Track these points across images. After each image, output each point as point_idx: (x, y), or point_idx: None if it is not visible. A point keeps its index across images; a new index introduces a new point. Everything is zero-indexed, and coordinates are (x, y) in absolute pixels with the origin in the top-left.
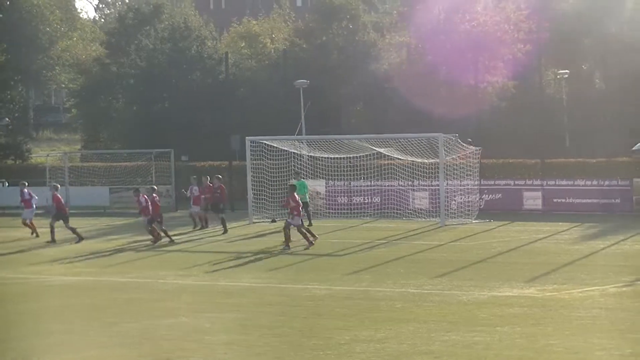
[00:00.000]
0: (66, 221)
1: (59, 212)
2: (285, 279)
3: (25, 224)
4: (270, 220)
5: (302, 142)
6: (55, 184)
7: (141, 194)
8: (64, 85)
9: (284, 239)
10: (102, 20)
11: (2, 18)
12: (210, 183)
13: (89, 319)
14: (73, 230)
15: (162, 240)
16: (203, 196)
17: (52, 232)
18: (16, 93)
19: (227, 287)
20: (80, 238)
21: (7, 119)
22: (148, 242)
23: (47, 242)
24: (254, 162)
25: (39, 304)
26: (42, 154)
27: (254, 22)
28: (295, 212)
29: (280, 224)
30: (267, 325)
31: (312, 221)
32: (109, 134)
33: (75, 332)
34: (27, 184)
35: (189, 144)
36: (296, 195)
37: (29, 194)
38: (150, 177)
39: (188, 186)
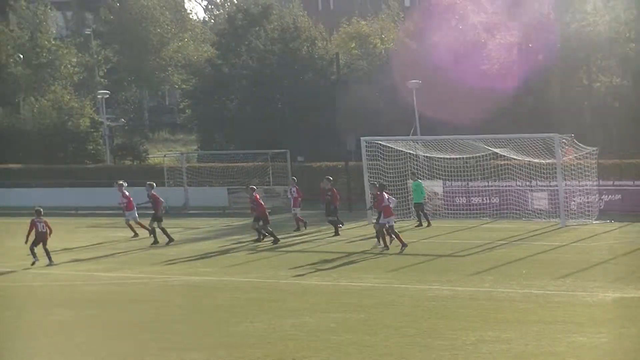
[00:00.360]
0: (159, 221)
1: (155, 212)
2: (407, 279)
3: (129, 225)
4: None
5: (416, 143)
6: (151, 182)
7: (255, 192)
8: (177, 86)
9: (382, 240)
10: (212, 21)
11: (113, 20)
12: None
13: (213, 319)
14: (164, 230)
15: (265, 240)
16: (299, 198)
17: (164, 232)
18: (130, 94)
19: (349, 287)
20: (155, 241)
21: (122, 120)
22: (267, 243)
23: (152, 244)
24: (370, 162)
25: (162, 303)
26: (159, 155)
27: (363, 23)
28: (385, 213)
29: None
30: (391, 325)
31: (431, 222)
32: (224, 134)
33: (200, 332)
34: (125, 184)
35: (305, 145)
36: (385, 195)
37: (127, 194)
38: (268, 178)
39: (288, 187)
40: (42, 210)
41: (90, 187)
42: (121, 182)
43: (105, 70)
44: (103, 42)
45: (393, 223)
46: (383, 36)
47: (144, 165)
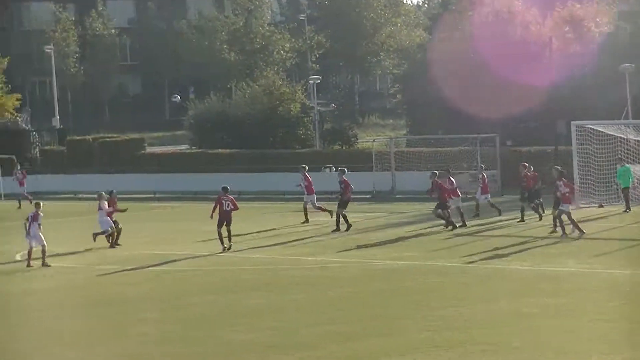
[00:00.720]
0: (344, 207)
1: (342, 198)
2: (613, 264)
3: (305, 209)
4: (597, 205)
5: (627, 127)
6: (342, 167)
7: (449, 177)
8: (388, 71)
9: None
10: (426, 5)
11: (327, 5)
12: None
13: (414, 302)
14: (341, 217)
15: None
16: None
17: (344, 219)
18: (341, 79)
19: (551, 272)
20: (342, 227)
21: (333, 105)
22: (469, 226)
23: (334, 230)
24: (580, 147)
25: (362, 287)
26: (367, 140)
27: (577, 6)
28: (564, 200)
29: (603, 209)
30: (594, 311)
31: (631, 207)
32: (433, 118)
33: (402, 316)
34: (307, 167)
35: (513, 129)
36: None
37: (309, 178)
38: (475, 163)
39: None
40: (228, 187)
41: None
42: (304, 165)
43: (317, 56)
44: (316, 28)
45: (570, 210)
46: (597, 19)
47: (352, 150)
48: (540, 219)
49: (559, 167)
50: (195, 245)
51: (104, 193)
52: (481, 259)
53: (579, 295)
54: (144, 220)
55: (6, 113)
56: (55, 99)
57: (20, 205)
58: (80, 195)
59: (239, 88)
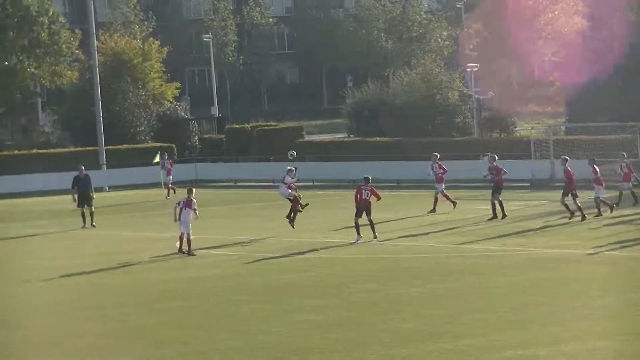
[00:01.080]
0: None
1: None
2: None
3: (436, 197)
4: None
5: None
6: (493, 154)
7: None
8: (546, 58)
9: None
10: None
11: None
12: None
13: (573, 291)
14: (497, 204)
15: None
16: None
17: (500, 207)
18: (499, 67)
19: None
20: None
21: (491, 93)
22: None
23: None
24: None
25: (523, 275)
26: (526, 128)
27: None
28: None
29: None
30: None
31: None
32: (593, 106)
33: (558, 304)
34: (438, 155)
35: None
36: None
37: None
38: (635, 151)
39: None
40: (370, 177)
41: (455, 160)
42: (436, 153)
43: (475, 43)
44: (474, 15)
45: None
46: None
47: (510, 138)
48: None
49: None
50: (353, 233)
51: (292, 168)
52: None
53: None
54: (308, 207)
55: (166, 102)
56: (214, 88)
57: (168, 194)
58: (238, 184)
59: (396, 76)
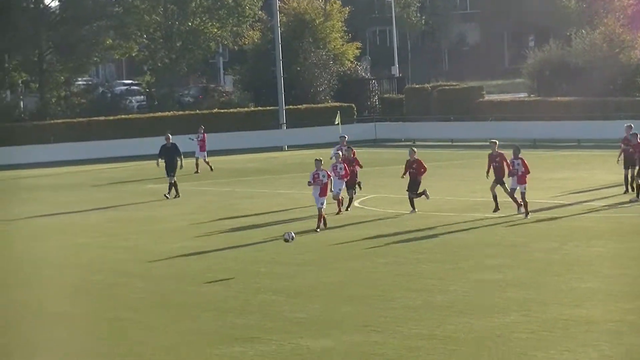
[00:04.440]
0: None
1: None
2: None
3: None
4: None
5: None
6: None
7: None
8: None
9: None
10: None
11: None
12: None
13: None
14: None
15: None
16: None
17: None
18: None
19: None
20: None
21: None
22: None
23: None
24: None
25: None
26: None
27: None
28: None
29: None
30: None
31: None
32: None
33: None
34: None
35: None
36: None
37: None
38: None
39: None
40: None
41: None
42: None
43: None
44: None
45: None
46: None
47: None
48: None
49: None
50: (535, 194)
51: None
52: None
53: None
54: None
55: (346, 61)
56: (395, 48)
57: (197, 169)
58: (418, 143)
59: (578, 36)
